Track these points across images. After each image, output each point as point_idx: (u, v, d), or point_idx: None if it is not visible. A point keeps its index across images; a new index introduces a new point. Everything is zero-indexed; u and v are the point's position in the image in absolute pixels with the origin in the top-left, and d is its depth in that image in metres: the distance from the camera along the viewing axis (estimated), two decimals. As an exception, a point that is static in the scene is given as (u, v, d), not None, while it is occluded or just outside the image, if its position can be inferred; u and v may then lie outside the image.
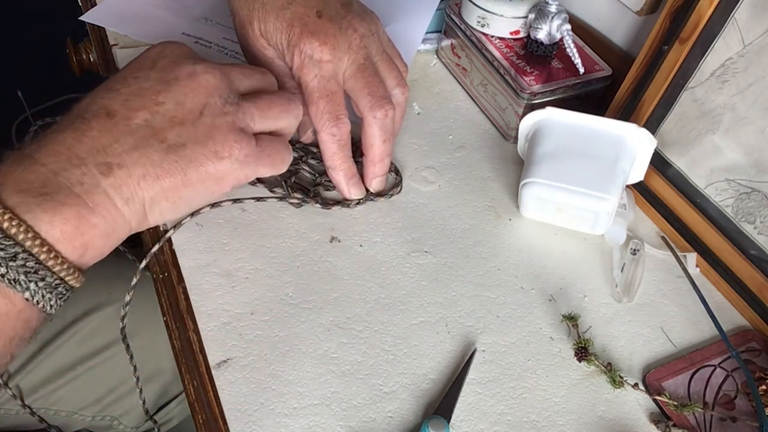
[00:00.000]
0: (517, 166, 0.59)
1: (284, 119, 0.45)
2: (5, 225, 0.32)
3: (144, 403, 0.61)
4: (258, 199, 0.52)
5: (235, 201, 0.51)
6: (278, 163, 0.45)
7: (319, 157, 0.56)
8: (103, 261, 0.54)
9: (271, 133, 0.45)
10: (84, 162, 0.36)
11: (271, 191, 0.53)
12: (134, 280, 0.47)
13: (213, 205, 0.51)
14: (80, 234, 0.35)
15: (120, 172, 0.37)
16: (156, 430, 0.67)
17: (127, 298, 0.48)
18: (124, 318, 0.49)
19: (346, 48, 0.48)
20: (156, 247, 0.48)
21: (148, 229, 0.50)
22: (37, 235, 0.33)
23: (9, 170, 0.35)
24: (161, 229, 0.50)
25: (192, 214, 0.50)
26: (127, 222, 0.38)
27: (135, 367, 0.54)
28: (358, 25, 0.49)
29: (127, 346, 0.52)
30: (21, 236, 0.32)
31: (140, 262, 0.47)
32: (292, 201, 0.52)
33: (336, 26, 0.48)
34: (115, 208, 0.37)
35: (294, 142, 0.57)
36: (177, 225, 0.49)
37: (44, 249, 0.33)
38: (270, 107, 0.44)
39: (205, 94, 0.40)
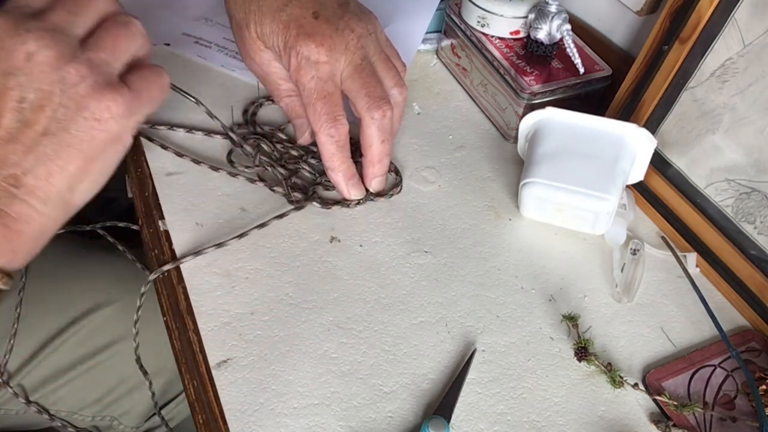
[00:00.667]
0: (517, 166, 0.59)
1: (134, 44, 0.41)
2: None
3: (153, 395, 0.61)
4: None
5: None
6: (158, 95, 0.42)
7: (319, 157, 0.56)
8: (103, 261, 0.54)
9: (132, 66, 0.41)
10: None
11: (272, 190, 0.53)
12: (143, 289, 0.48)
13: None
14: (8, 242, 0.37)
15: (27, 179, 0.36)
16: (164, 425, 0.67)
17: (138, 303, 0.48)
18: (136, 323, 0.50)
19: (343, 49, 0.48)
20: (169, 266, 0.47)
21: (148, 230, 0.50)
22: None
23: None
24: (161, 229, 0.50)
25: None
26: (53, 219, 0.39)
27: (141, 365, 0.54)
28: (355, 26, 0.49)
29: (137, 346, 0.52)
30: None
31: (139, 262, 0.47)
32: (292, 200, 0.52)
33: (333, 27, 0.48)
34: (37, 212, 0.37)
35: (294, 142, 0.57)
36: (195, 253, 0.49)
37: None
38: (116, 43, 0.40)
39: (53, 69, 0.37)
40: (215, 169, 0.54)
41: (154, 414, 0.67)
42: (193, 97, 0.51)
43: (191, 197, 0.52)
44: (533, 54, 0.60)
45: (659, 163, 0.54)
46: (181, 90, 0.49)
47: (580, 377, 0.46)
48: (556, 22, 0.58)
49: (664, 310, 0.50)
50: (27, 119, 0.36)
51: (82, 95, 0.37)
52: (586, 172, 0.50)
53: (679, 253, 0.53)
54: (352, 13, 0.50)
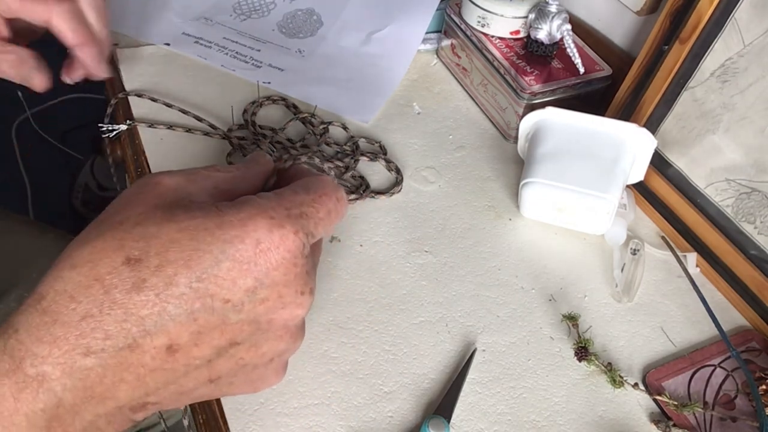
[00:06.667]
0: (517, 166, 0.59)
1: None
2: None
3: None
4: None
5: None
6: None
7: (319, 157, 0.56)
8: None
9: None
10: (120, 409, 0.29)
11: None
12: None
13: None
14: None
15: (152, 408, 0.31)
16: (162, 422, 0.67)
17: None
18: None
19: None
20: None
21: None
22: None
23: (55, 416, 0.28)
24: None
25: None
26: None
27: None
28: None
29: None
30: None
31: None
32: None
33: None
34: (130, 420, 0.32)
35: (294, 142, 0.57)
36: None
37: None
38: (330, 225, 0.33)
39: (290, 341, 0.33)
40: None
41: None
42: (194, 115, 0.50)
43: (191, 197, 0.52)
44: (533, 54, 0.60)
45: (659, 163, 0.54)
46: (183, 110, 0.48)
47: (580, 377, 0.46)
48: (557, 22, 0.58)
49: (664, 310, 0.50)
50: (217, 363, 0.31)
51: (282, 365, 0.34)
52: (586, 172, 0.50)
53: (679, 253, 0.53)
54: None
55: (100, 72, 0.53)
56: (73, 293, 0.27)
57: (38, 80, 0.52)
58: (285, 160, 0.35)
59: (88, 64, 0.53)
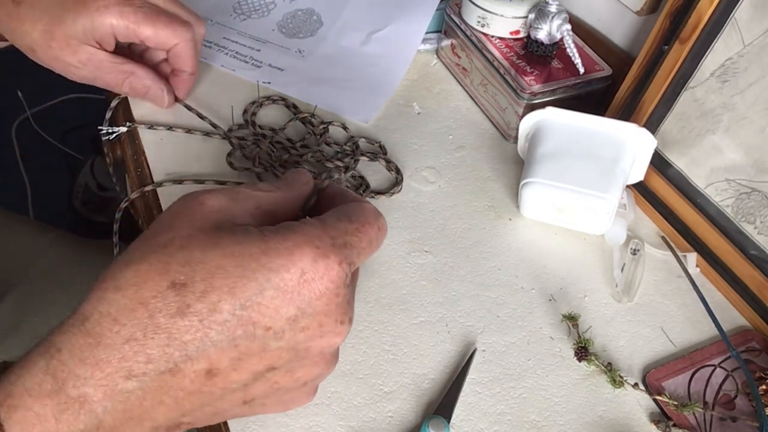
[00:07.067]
0: (517, 166, 0.59)
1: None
2: None
3: None
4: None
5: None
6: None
7: (318, 158, 0.56)
8: (103, 262, 0.54)
9: None
10: (156, 429, 0.30)
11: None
12: None
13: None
14: None
15: (185, 427, 0.31)
16: None
17: None
18: None
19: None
20: None
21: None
22: None
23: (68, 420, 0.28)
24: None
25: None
26: None
27: None
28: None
29: None
30: None
31: None
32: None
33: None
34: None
35: (294, 142, 0.57)
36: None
37: None
38: (371, 254, 0.34)
39: (324, 366, 0.33)
40: (221, 183, 0.54)
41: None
42: (198, 113, 0.50)
43: (191, 197, 0.52)
44: (533, 54, 0.60)
45: (659, 163, 0.54)
46: (188, 106, 0.48)
47: (580, 377, 0.46)
48: (556, 22, 0.58)
49: (664, 310, 0.50)
50: (252, 387, 0.31)
51: (313, 389, 0.35)
52: (586, 172, 0.50)
53: (679, 253, 0.53)
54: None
55: (184, 98, 0.57)
56: (117, 316, 0.28)
57: (161, 97, 0.56)
58: (323, 179, 0.35)
59: (184, 90, 0.56)
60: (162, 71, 0.56)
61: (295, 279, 0.29)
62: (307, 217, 0.34)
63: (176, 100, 0.57)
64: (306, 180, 0.36)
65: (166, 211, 0.32)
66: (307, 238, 0.30)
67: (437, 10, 0.67)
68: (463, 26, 0.63)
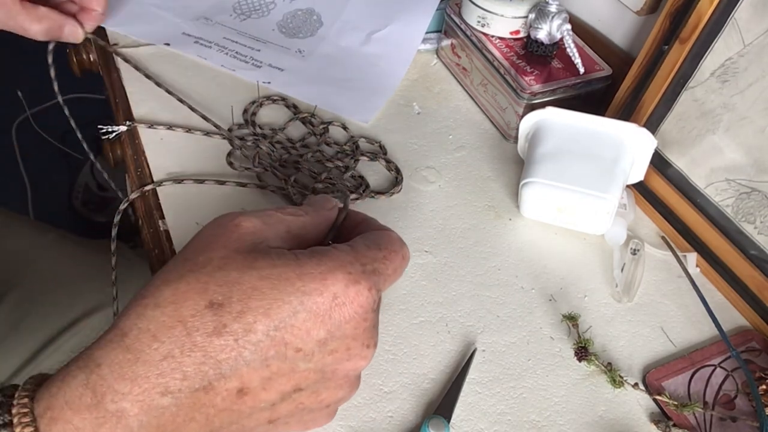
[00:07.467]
0: (517, 166, 0.59)
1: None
2: None
3: None
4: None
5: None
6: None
7: (318, 158, 0.56)
8: (103, 262, 0.54)
9: None
10: None
11: (272, 191, 0.53)
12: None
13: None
14: None
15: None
16: None
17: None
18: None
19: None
20: None
21: (148, 230, 0.50)
22: None
23: None
24: (162, 229, 0.50)
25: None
26: None
27: None
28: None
29: None
30: None
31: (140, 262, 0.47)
32: (293, 201, 0.52)
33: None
34: None
35: (294, 142, 0.57)
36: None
37: None
38: (394, 281, 0.35)
39: (348, 389, 0.34)
40: (221, 183, 0.54)
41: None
42: (199, 113, 0.50)
43: (191, 197, 0.52)
44: (533, 54, 0.60)
45: (659, 163, 0.54)
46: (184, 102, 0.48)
47: (580, 377, 0.46)
48: (557, 22, 0.58)
49: (664, 310, 0.50)
50: (278, 406, 0.32)
51: (335, 410, 0.35)
52: (586, 172, 0.50)
53: (679, 253, 0.53)
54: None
55: (90, 31, 0.57)
56: (156, 333, 0.28)
57: (75, 32, 0.56)
58: (343, 209, 0.37)
59: (92, 25, 0.57)
60: (68, 10, 0.57)
61: (327, 303, 0.30)
62: (330, 242, 0.35)
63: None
64: (331, 206, 0.37)
65: (200, 233, 0.33)
66: (339, 263, 0.31)
67: (437, 10, 0.67)
68: (463, 26, 0.63)
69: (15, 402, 0.28)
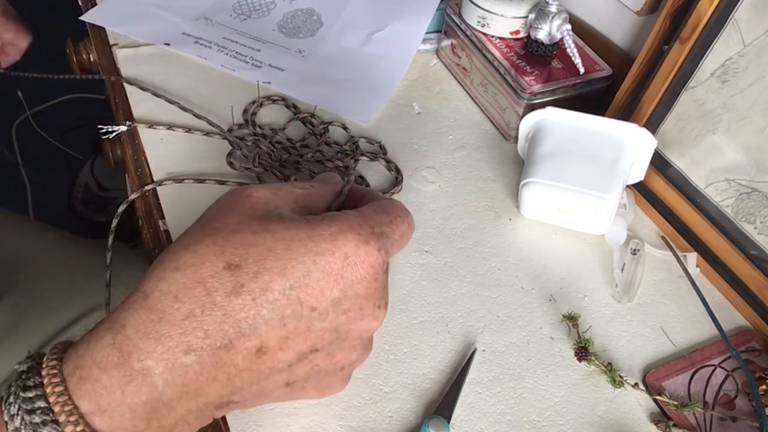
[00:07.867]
0: (517, 166, 0.59)
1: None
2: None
3: None
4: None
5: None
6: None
7: (318, 158, 0.56)
8: (102, 261, 0.54)
9: None
10: (208, 405, 0.31)
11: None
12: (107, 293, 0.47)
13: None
14: None
15: (233, 406, 0.33)
16: None
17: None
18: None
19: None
20: None
21: (148, 230, 0.50)
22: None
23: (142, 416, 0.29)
24: (162, 229, 0.50)
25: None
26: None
27: None
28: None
29: None
30: None
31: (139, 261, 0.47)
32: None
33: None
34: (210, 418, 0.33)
35: (294, 142, 0.57)
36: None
37: None
38: (401, 247, 0.36)
39: (361, 351, 0.35)
40: (221, 183, 0.54)
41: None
42: (198, 113, 0.50)
43: (191, 197, 0.52)
44: (533, 54, 0.60)
45: (659, 163, 0.54)
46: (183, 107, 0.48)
47: (580, 377, 0.46)
48: (557, 22, 0.58)
49: (664, 310, 0.50)
50: (296, 367, 0.33)
51: (350, 373, 0.36)
52: (586, 172, 0.50)
53: (679, 253, 0.53)
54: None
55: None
56: (177, 294, 0.29)
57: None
58: (347, 181, 0.38)
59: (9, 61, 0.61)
60: None
61: (338, 262, 0.31)
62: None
63: None
64: (336, 180, 0.39)
65: (215, 203, 0.34)
66: (349, 225, 0.32)
67: (437, 10, 0.67)
68: (463, 26, 0.63)
69: (45, 365, 0.29)
